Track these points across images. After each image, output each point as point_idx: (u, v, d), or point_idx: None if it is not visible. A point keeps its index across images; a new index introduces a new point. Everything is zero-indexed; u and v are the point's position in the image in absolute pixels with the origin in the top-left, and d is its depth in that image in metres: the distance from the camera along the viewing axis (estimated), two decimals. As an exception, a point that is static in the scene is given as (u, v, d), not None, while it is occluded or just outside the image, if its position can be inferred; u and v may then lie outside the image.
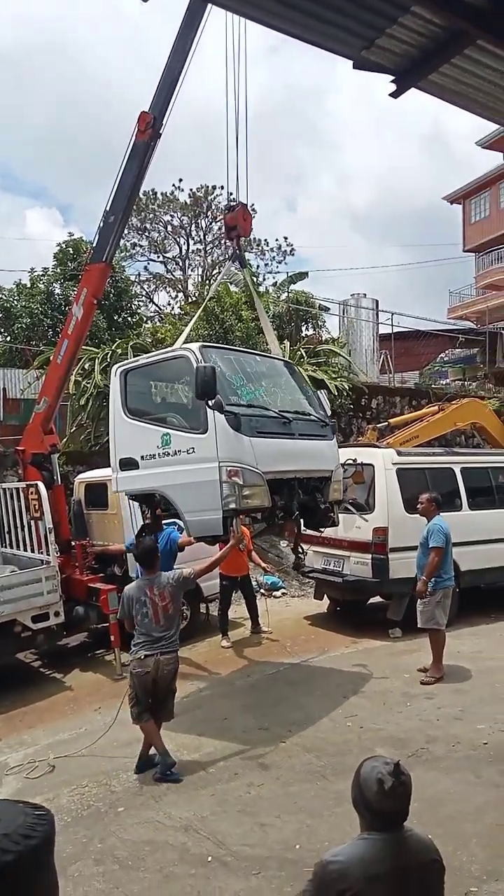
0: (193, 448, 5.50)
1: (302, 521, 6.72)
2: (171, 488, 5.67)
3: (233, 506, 5.26)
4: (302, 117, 72.73)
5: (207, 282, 19.50)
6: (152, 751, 4.92)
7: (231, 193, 7.22)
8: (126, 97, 56.04)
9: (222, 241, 23.65)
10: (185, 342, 6.55)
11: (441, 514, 6.93)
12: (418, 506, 7.04)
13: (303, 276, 19.58)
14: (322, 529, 7.16)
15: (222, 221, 7.39)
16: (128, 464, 6.03)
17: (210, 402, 5.29)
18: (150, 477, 5.82)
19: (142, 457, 5.89)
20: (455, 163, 67.16)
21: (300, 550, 7.58)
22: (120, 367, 6.41)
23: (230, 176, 6.90)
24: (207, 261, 25.85)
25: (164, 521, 7.52)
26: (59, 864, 2.21)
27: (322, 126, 78.70)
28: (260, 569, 8.73)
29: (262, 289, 19.46)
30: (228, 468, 5.29)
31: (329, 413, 7.09)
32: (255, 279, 18.68)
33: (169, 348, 6.81)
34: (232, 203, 7.24)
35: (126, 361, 6.83)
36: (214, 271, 23.78)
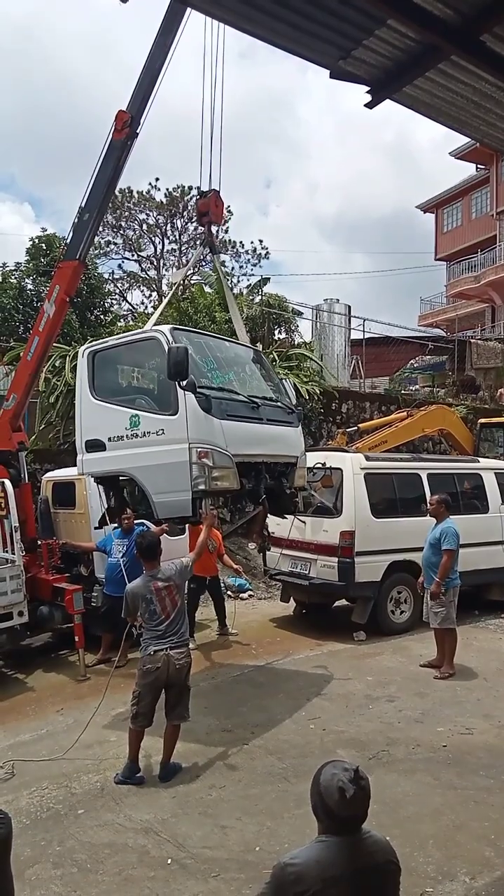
0: (163, 429, 5.50)
1: (267, 504, 6.72)
2: (140, 469, 5.65)
3: (202, 487, 5.28)
4: (272, 124, 73.17)
5: (183, 282, 19.51)
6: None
7: (198, 189, 7.25)
8: (93, 91, 55.65)
9: (198, 242, 23.61)
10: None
11: (406, 519, 7.05)
12: (428, 507, 7.22)
13: (265, 281, 19.68)
14: (286, 516, 7.30)
15: (195, 209, 7.40)
16: (94, 445, 6.00)
17: (182, 383, 5.29)
18: (118, 458, 5.80)
19: (109, 438, 5.86)
20: (421, 172, 68.34)
21: (265, 533, 7.61)
22: (87, 348, 6.37)
23: (204, 162, 6.93)
24: (182, 261, 25.78)
25: (135, 521, 7.53)
26: (16, 868, 2.20)
27: (292, 133, 79.28)
28: (230, 571, 8.74)
29: (235, 290, 19.48)
30: (198, 449, 5.32)
31: (295, 401, 7.19)
32: (227, 275, 18.67)
33: (138, 330, 6.78)
34: (204, 189, 7.24)
35: (93, 342, 6.79)
36: (190, 273, 23.71)
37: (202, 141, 6.90)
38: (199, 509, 5.39)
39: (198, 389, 5.39)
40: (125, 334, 7.27)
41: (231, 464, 5.54)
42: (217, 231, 8.08)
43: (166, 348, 5.40)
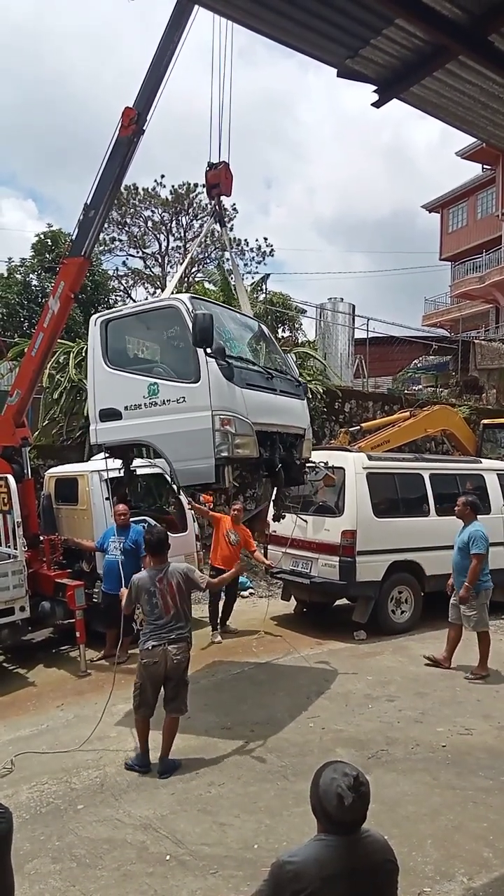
0: (184, 397, 5.48)
1: (282, 474, 6.77)
2: (160, 438, 5.63)
3: (225, 454, 5.30)
4: (272, 124, 73.20)
5: (187, 279, 19.56)
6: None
7: (208, 161, 7.15)
8: (93, 88, 55.52)
9: (203, 242, 23.59)
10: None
11: (408, 519, 7.04)
12: (455, 509, 7.19)
13: (266, 277, 19.67)
14: (294, 487, 7.42)
15: (205, 181, 7.23)
16: (109, 415, 5.93)
17: (209, 350, 5.31)
18: (136, 427, 5.76)
19: (126, 407, 5.80)
20: (421, 173, 68.29)
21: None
22: (99, 317, 6.30)
23: (213, 133, 6.88)
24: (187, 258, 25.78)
25: (132, 520, 7.54)
26: (15, 862, 2.21)
27: (292, 134, 79.26)
28: (262, 566, 8.79)
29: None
30: (221, 417, 5.33)
31: (297, 375, 7.29)
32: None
33: (154, 298, 6.78)
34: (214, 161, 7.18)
35: (106, 311, 6.76)
36: (193, 268, 23.72)
37: (211, 112, 6.82)
38: (222, 476, 5.39)
39: (214, 356, 5.41)
40: (140, 303, 7.25)
41: (251, 432, 5.59)
42: (226, 220, 8.02)
43: (187, 316, 5.43)
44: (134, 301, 25.69)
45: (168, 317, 5.93)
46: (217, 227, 8.02)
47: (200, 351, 5.37)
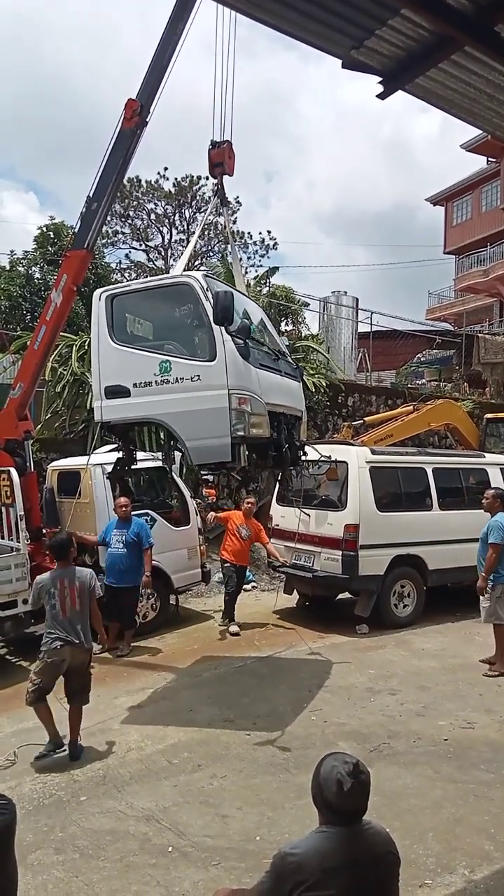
0: (199, 375, 5.44)
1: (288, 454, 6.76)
2: (172, 415, 5.58)
3: (241, 433, 5.30)
4: (272, 118, 72.97)
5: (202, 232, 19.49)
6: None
7: (211, 140, 7.08)
8: (93, 80, 55.25)
9: (205, 232, 23.54)
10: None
11: (410, 513, 7.02)
12: (483, 501, 7.14)
13: (273, 271, 19.67)
14: (296, 480, 7.66)
15: (208, 160, 7.13)
16: (116, 392, 5.83)
17: (232, 328, 5.31)
18: (146, 405, 5.69)
19: (135, 384, 5.71)
20: (421, 167, 68.04)
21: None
22: (104, 291, 6.17)
23: (216, 112, 6.81)
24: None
25: (133, 513, 7.55)
26: (18, 853, 2.22)
27: (292, 128, 78.99)
28: (273, 558, 8.82)
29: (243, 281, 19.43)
30: (239, 396, 5.32)
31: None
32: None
33: (165, 275, 6.72)
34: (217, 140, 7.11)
35: (111, 286, 6.71)
36: (196, 262, 23.67)
37: (214, 92, 6.76)
38: (238, 455, 5.38)
39: (237, 335, 5.42)
40: (149, 279, 7.20)
41: (265, 411, 5.60)
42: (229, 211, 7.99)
43: (201, 294, 5.41)
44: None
45: (181, 294, 5.87)
46: (221, 207, 7.95)
47: (217, 329, 5.35)
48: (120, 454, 6.52)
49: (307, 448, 7.33)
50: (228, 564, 8.52)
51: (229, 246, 8.54)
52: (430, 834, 3.90)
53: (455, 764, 4.80)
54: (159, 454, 6.52)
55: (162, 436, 6.08)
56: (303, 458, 7.04)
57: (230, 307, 5.20)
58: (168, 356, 5.67)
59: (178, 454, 6.43)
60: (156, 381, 5.61)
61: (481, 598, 6.82)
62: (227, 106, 6.81)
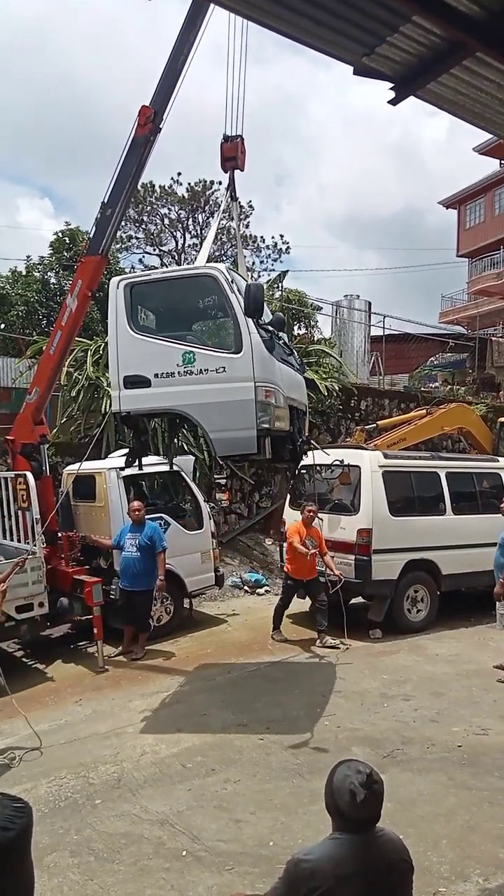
0: (224, 367, 5.43)
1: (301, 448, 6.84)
2: (196, 407, 5.55)
3: (266, 425, 5.33)
4: (282, 123, 73.15)
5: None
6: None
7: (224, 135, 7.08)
8: (103, 88, 55.56)
9: (219, 238, 23.60)
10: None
11: (424, 517, 6.99)
12: (501, 506, 7.11)
13: (284, 274, 19.65)
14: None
15: (220, 154, 7.09)
16: (136, 382, 5.76)
17: (265, 320, 5.36)
18: (168, 395, 5.65)
19: (156, 374, 5.66)
20: (431, 171, 67.82)
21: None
22: (122, 280, 6.12)
23: (229, 106, 6.80)
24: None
25: (147, 517, 7.59)
26: (35, 855, 2.24)
27: (303, 133, 79.11)
28: (330, 572, 7.91)
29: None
30: (265, 388, 5.35)
31: None
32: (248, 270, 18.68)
33: (187, 266, 6.72)
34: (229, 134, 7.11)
35: (129, 275, 6.73)
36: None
37: (226, 87, 6.76)
38: (263, 447, 5.39)
39: (262, 327, 5.44)
40: (170, 269, 7.22)
41: (286, 405, 5.67)
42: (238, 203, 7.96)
43: (226, 286, 5.45)
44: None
45: (203, 285, 5.85)
46: (230, 202, 7.91)
47: (244, 321, 5.36)
48: (132, 446, 6.56)
49: (320, 452, 7.33)
50: (290, 581, 8.08)
51: (236, 238, 8.53)
52: (444, 841, 3.88)
53: (469, 770, 4.77)
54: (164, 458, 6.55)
55: (166, 438, 6.11)
56: (308, 452, 7.07)
57: (261, 300, 5.25)
58: (192, 347, 5.62)
59: (178, 456, 6.44)
60: (179, 372, 5.57)
61: (497, 603, 6.77)
62: (239, 101, 6.82)
